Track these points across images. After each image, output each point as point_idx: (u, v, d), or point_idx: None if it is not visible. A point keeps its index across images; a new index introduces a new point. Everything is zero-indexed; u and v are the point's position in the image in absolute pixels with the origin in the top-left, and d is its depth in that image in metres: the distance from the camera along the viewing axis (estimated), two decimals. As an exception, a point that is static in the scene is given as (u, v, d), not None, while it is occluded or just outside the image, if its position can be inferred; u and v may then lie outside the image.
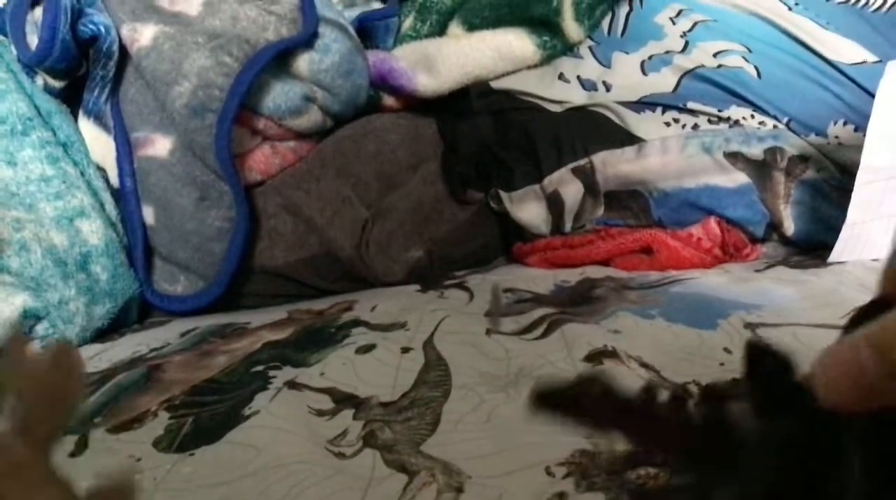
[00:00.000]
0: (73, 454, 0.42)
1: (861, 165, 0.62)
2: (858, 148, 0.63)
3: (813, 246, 0.69)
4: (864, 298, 0.53)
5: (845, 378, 0.19)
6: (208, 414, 0.45)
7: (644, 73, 0.73)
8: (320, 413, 0.44)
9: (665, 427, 0.24)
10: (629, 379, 0.42)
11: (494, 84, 0.79)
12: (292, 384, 0.48)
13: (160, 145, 0.72)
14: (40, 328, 0.67)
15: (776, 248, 0.71)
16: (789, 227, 0.69)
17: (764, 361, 0.23)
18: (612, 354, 0.46)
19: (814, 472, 0.22)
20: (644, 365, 0.44)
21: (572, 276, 0.68)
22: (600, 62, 0.76)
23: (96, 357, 0.61)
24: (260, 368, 0.52)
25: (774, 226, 0.70)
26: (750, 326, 0.49)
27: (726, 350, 0.45)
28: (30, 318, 0.66)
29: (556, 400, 0.24)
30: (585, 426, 0.25)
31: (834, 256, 0.64)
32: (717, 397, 0.23)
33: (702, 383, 0.42)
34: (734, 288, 0.58)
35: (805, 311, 0.52)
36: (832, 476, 0.21)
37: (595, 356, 0.46)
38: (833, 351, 0.20)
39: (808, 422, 0.22)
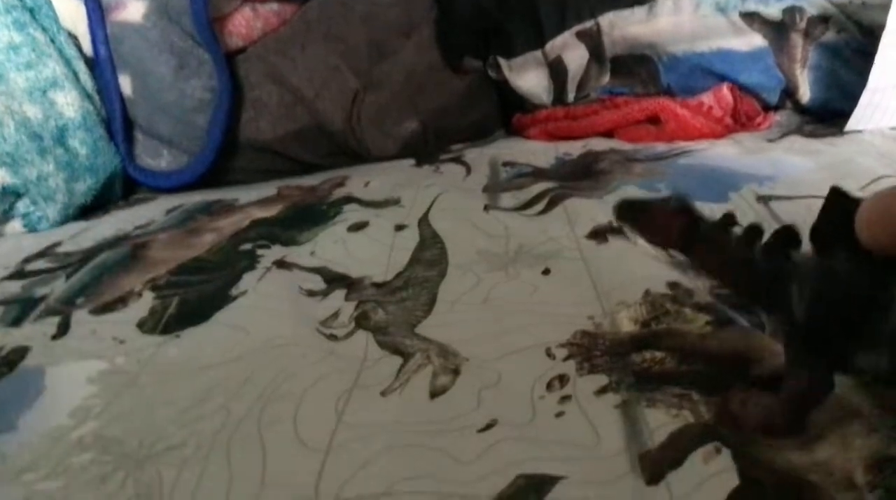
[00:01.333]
0: (55, 337, 0.40)
1: (887, 26, 0.58)
2: (884, 7, 0.58)
3: (828, 114, 0.65)
4: (883, 168, 0.50)
5: (883, 220, 0.20)
6: (195, 294, 0.44)
7: (657, -77, 0.67)
8: (311, 294, 0.42)
9: (725, 255, 0.25)
10: (636, 255, 0.40)
11: (493, -62, 0.73)
12: (281, 264, 0.46)
13: (133, 8, 0.67)
14: (21, 206, 0.65)
15: (790, 116, 0.68)
16: (805, 93, 0.65)
17: (838, 204, 0.23)
18: (618, 231, 0.43)
19: (856, 305, 0.22)
20: (651, 241, 0.42)
21: (575, 148, 0.65)
22: (609, -88, 0.69)
23: (79, 235, 0.59)
24: (248, 246, 0.50)
25: (789, 92, 0.66)
26: (762, 199, 0.46)
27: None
28: (9, 194, 0.64)
29: (635, 211, 0.26)
30: (656, 242, 0.27)
31: (851, 124, 0.60)
32: (789, 237, 0.24)
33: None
34: (746, 159, 0.55)
35: (820, 182, 0.49)
36: (874, 310, 0.22)
37: (599, 233, 0.44)
38: (878, 195, 0.21)
39: (859, 262, 0.22)
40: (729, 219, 0.25)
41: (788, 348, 0.24)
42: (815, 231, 0.23)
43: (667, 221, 0.25)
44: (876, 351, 0.22)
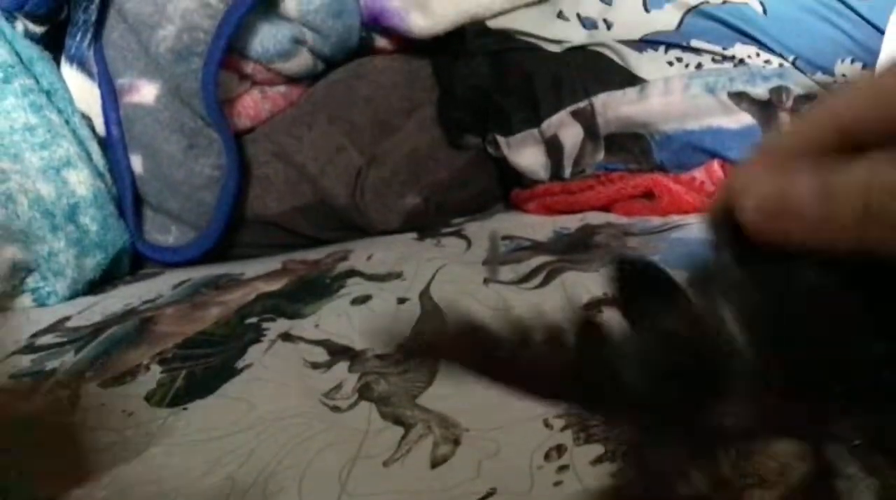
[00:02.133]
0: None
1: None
2: (866, 87, 0.61)
3: (818, 189, 0.67)
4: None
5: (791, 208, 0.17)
6: (201, 367, 0.45)
7: (646, 9, 0.70)
8: (315, 366, 0.43)
9: (537, 369, 0.22)
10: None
11: (491, 23, 0.76)
12: (286, 336, 0.47)
13: (146, 91, 0.70)
14: (30, 281, 0.66)
15: (780, 191, 0.69)
16: (794, 169, 0.67)
17: (628, 272, 0.22)
18: (612, 302, 0.44)
19: (703, 362, 0.19)
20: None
21: (572, 222, 0.66)
22: (601, -1, 0.73)
23: (88, 310, 0.60)
24: (254, 320, 0.51)
25: (779, 168, 0.68)
26: (754, 271, 0.48)
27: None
28: (19, 271, 0.65)
29: (421, 350, 0.23)
30: (461, 373, 0.23)
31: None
32: (592, 325, 0.21)
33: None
34: (737, 233, 0.57)
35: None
36: (721, 365, 0.19)
37: (595, 305, 0.45)
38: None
39: (686, 316, 0.20)
40: (523, 332, 0.21)
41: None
42: (628, 308, 0.22)
43: (459, 353, 0.22)
44: (734, 399, 0.19)
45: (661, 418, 0.21)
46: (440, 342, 0.23)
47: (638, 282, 0.21)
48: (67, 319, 0.58)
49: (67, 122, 0.72)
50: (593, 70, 0.70)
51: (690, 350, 0.19)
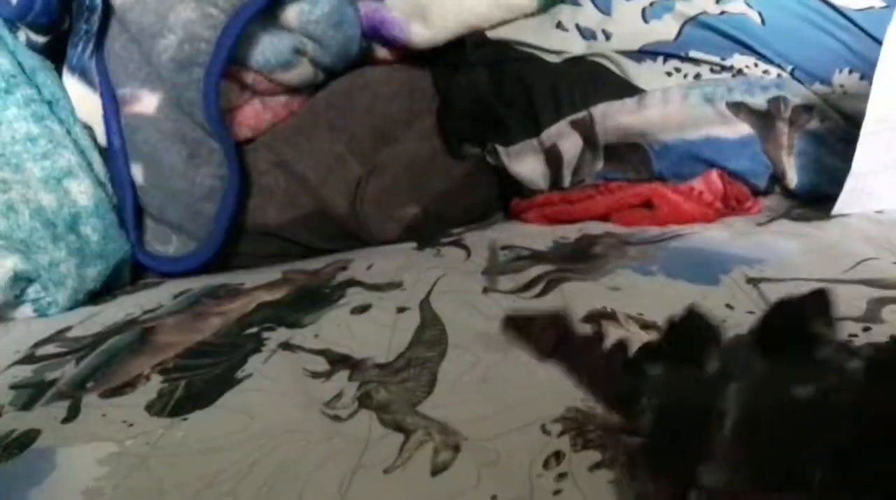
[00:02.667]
0: (65, 420, 0.41)
1: (867, 115, 0.61)
2: (864, 97, 0.61)
3: (816, 198, 0.67)
4: (869, 250, 0.52)
5: None
6: (202, 378, 0.45)
7: (645, 20, 0.70)
8: (315, 375, 0.43)
9: (591, 369, 0.28)
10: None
11: (490, 34, 0.76)
12: (286, 346, 0.47)
13: (147, 102, 0.70)
14: (31, 291, 0.66)
15: (778, 200, 0.70)
16: (792, 178, 0.67)
17: (692, 322, 0.24)
18: (611, 316, 0.44)
19: (692, 417, 0.22)
20: (644, 325, 0.43)
21: (571, 232, 0.67)
22: (600, 9, 0.73)
23: (88, 320, 0.60)
24: (254, 329, 0.51)
25: (777, 178, 0.68)
26: (752, 281, 0.48)
27: (728, 306, 0.44)
28: (20, 281, 0.65)
29: (518, 323, 0.29)
30: (532, 353, 0.30)
31: (838, 208, 0.62)
32: (650, 353, 0.26)
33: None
34: (736, 242, 0.57)
35: (808, 265, 0.51)
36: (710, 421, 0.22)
37: (594, 318, 0.45)
38: None
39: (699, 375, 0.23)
40: (597, 334, 0.28)
41: (630, 465, 0.25)
42: (668, 347, 0.25)
43: (541, 334, 0.27)
44: (714, 464, 0.21)
45: (655, 456, 0.24)
46: (533, 325, 0.28)
47: (692, 333, 0.24)
48: (68, 329, 0.58)
49: (69, 132, 0.72)
50: (592, 80, 0.70)
51: (693, 408, 0.22)
